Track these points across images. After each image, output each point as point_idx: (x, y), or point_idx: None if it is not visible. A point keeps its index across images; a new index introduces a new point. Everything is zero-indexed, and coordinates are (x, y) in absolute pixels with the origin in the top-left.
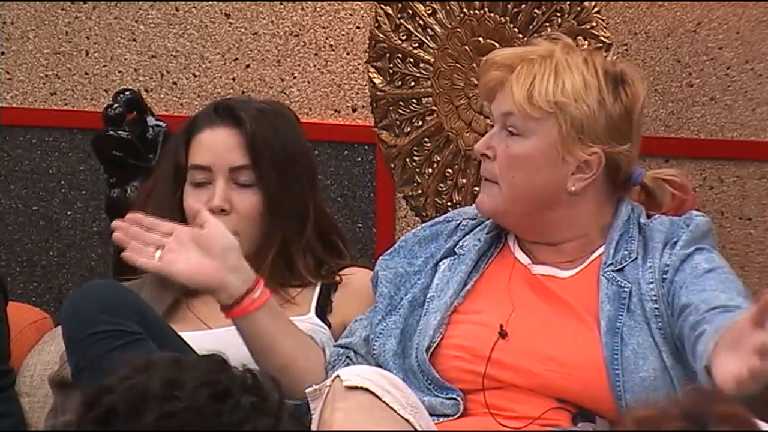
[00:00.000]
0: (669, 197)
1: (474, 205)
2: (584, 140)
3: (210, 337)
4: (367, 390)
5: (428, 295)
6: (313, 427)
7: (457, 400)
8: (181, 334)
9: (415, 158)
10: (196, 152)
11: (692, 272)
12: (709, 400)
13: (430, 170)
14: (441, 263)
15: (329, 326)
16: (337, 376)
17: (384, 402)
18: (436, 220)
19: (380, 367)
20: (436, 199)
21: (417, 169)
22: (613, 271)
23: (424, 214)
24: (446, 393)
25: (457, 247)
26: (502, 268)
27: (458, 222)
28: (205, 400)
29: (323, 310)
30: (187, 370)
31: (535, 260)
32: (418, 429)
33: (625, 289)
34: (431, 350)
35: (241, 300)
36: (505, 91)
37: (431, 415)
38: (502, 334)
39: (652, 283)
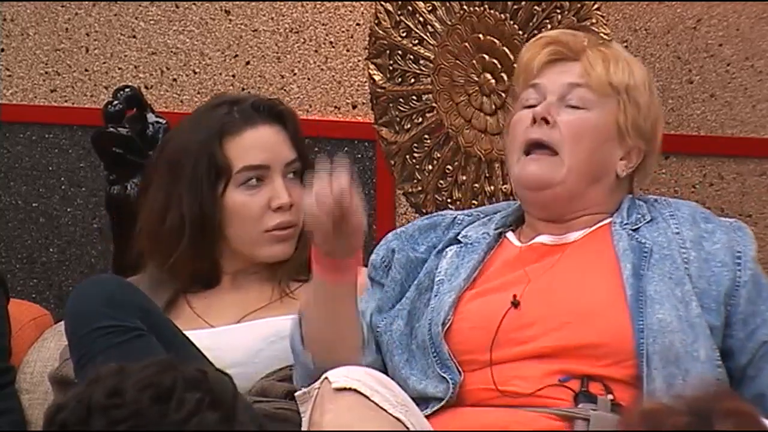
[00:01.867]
0: None
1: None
2: (640, 128)
3: (212, 335)
4: (356, 390)
5: (437, 279)
6: (303, 430)
7: (449, 384)
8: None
9: (415, 155)
10: (245, 154)
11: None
12: (716, 396)
13: (430, 167)
14: (447, 250)
15: None
16: (326, 378)
17: (373, 402)
18: (431, 215)
19: (382, 346)
20: (436, 196)
21: (417, 166)
22: (630, 229)
23: (424, 211)
24: (444, 371)
25: (460, 236)
26: (505, 252)
27: (454, 216)
28: (148, 402)
29: None
30: (130, 376)
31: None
32: (409, 426)
33: (646, 246)
34: (445, 327)
35: (331, 263)
36: (568, 68)
37: (422, 400)
38: (515, 304)
39: (684, 248)
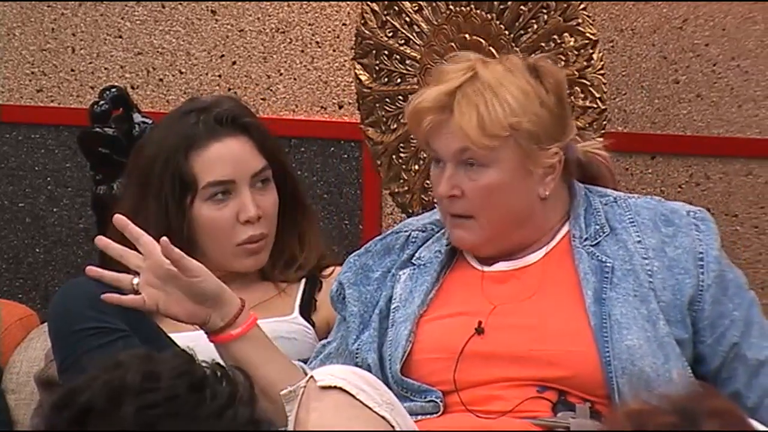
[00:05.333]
0: (605, 170)
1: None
2: (543, 146)
3: (196, 337)
4: (341, 389)
5: (392, 306)
6: (289, 428)
7: (437, 402)
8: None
9: (402, 155)
10: (210, 168)
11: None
12: (702, 395)
13: (417, 167)
14: (401, 273)
15: (313, 325)
16: (311, 376)
17: (359, 400)
18: (384, 234)
19: None
20: (423, 196)
21: (403, 166)
22: (590, 245)
23: (410, 211)
24: (425, 396)
25: (414, 258)
26: (465, 274)
27: (408, 234)
28: (185, 390)
29: (307, 310)
30: (162, 362)
31: (495, 261)
32: (395, 425)
33: (608, 265)
34: (404, 359)
35: (220, 331)
36: (451, 129)
37: (412, 415)
38: (479, 330)
39: (646, 258)
